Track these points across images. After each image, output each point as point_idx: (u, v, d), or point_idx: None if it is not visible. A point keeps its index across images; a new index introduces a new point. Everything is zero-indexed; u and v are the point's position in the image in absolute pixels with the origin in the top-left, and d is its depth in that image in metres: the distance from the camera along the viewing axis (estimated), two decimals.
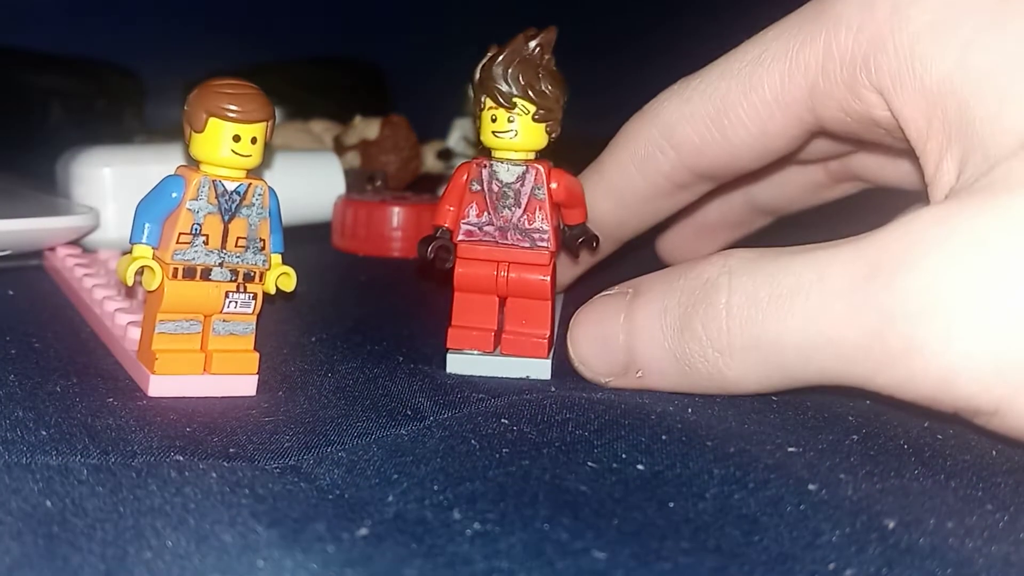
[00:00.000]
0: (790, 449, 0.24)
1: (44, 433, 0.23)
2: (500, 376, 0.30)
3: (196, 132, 0.27)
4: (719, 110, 0.30)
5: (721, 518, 0.21)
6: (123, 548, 0.18)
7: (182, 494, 0.20)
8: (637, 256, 0.39)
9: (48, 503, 0.20)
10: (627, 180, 0.33)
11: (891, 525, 0.20)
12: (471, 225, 0.31)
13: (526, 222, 0.30)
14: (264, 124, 0.27)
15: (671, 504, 0.21)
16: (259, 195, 0.27)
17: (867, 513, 0.21)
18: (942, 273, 0.22)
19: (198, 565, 0.18)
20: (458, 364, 0.31)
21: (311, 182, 0.49)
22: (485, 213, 0.30)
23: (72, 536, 0.18)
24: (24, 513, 0.19)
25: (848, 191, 0.39)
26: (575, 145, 0.33)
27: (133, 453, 0.23)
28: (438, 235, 0.30)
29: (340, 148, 0.60)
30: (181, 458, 0.23)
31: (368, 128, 0.60)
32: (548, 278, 0.31)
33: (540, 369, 0.30)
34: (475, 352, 0.31)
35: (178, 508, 0.20)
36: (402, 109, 0.65)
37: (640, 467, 0.23)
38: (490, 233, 0.31)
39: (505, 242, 0.30)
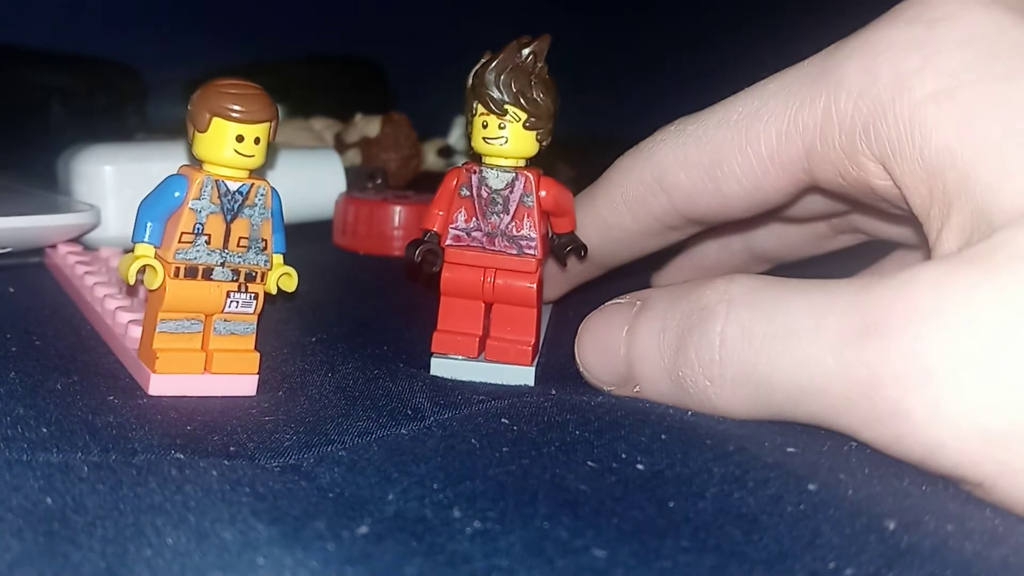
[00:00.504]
0: (789, 449, 0.24)
1: (45, 431, 0.23)
2: (483, 382, 0.30)
3: (199, 132, 0.27)
4: (713, 160, 0.30)
5: (721, 517, 0.21)
6: (123, 546, 0.18)
7: (182, 492, 0.21)
8: (635, 273, 0.39)
9: (49, 500, 0.20)
10: (617, 217, 0.33)
11: (891, 526, 0.20)
12: (459, 230, 0.31)
13: (514, 229, 0.30)
14: (267, 124, 0.27)
15: (671, 503, 0.21)
16: (262, 195, 0.28)
17: (867, 514, 0.21)
18: (935, 343, 0.21)
19: (198, 562, 0.18)
20: (442, 368, 0.31)
21: (312, 180, 0.49)
22: (473, 219, 0.30)
23: (72, 533, 0.19)
24: (24, 510, 0.19)
25: (849, 242, 0.38)
26: (603, 146, 0.33)
27: (134, 451, 0.23)
28: (426, 239, 0.30)
29: (341, 146, 0.60)
30: (182, 456, 0.23)
31: (369, 126, 0.61)
32: (534, 285, 0.31)
33: (523, 376, 0.30)
34: (459, 357, 0.31)
35: (178, 506, 0.20)
36: (403, 107, 0.65)
37: (640, 466, 0.23)
38: (478, 239, 0.31)
39: (492, 248, 0.30)
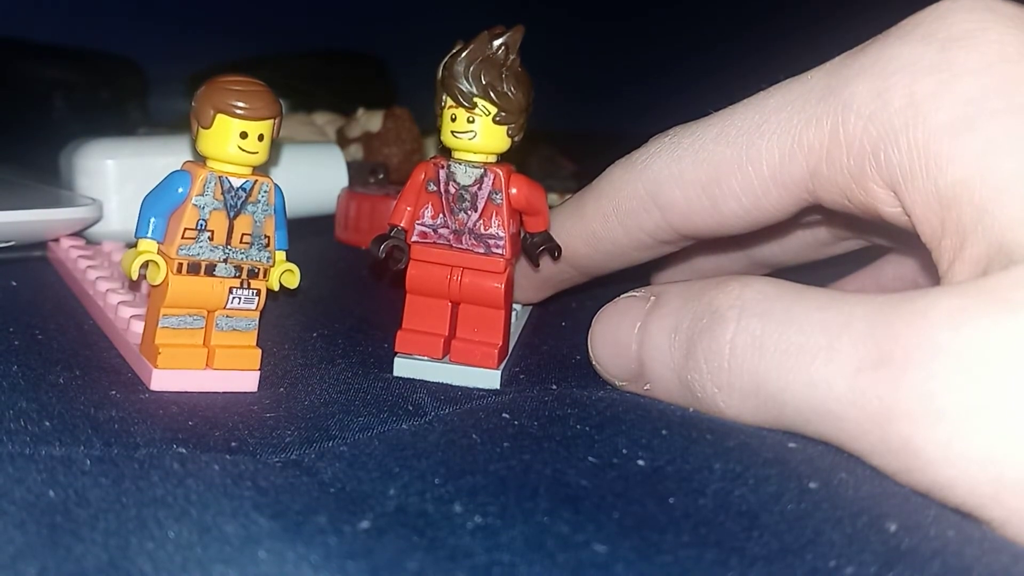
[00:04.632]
0: (791, 445, 0.24)
1: (47, 424, 0.24)
2: (447, 383, 0.29)
3: (203, 128, 0.27)
4: (711, 178, 0.28)
5: (721, 513, 0.21)
6: (126, 538, 0.18)
7: (184, 486, 0.21)
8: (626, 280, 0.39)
9: (51, 493, 0.20)
10: (607, 230, 0.32)
11: (892, 528, 0.20)
12: (425, 227, 0.30)
13: (482, 227, 0.29)
14: (271, 121, 0.27)
15: (671, 499, 0.21)
16: (265, 192, 0.28)
17: (868, 514, 0.21)
18: (949, 383, 0.21)
19: (200, 556, 0.18)
20: (406, 369, 0.30)
21: (314, 174, 0.49)
22: (440, 215, 0.29)
23: (75, 526, 0.19)
24: (27, 503, 0.19)
25: (851, 248, 0.38)
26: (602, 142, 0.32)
27: (136, 445, 0.23)
28: (392, 234, 0.30)
29: (343, 140, 0.60)
30: (184, 451, 0.23)
31: (371, 120, 0.60)
32: (502, 286, 0.30)
33: (488, 380, 0.29)
34: (424, 358, 0.30)
35: (180, 500, 0.20)
36: (405, 101, 0.65)
37: (641, 462, 0.23)
38: (444, 236, 0.30)
39: (459, 246, 0.30)
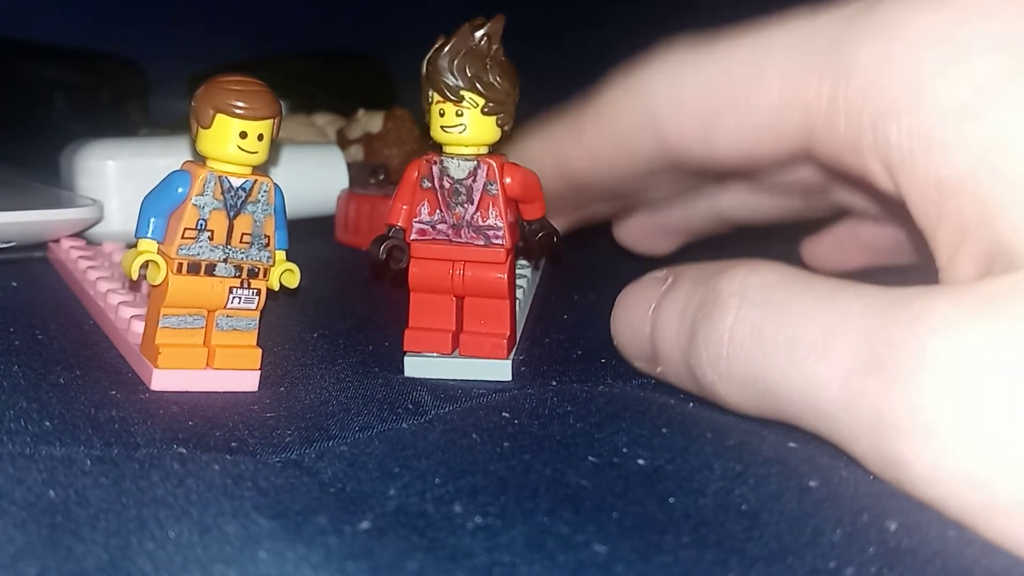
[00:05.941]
0: (791, 444, 0.24)
1: (48, 424, 0.24)
2: (459, 379, 0.29)
3: (203, 128, 0.27)
4: (709, 114, 0.28)
5: (722, 513, 0.21)
6: (126, 538, 0.18)
7: (185, 486, 0.21)
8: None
9: (52, 493, 0.20)
10: (608, 152, 0.32)
11: (892, 527, 0.20)
12: (423, 224, 0.30)
13: (479, 219, 0.29)
14: (271, 121, 0.27)
15: (672, 499, 0.21)
16: (265, 191, 0.28)
17: (868, 514, 0.21)
18: (939, 399, 0.20)
19: (201, 556, 0.18)
20: (416, 367, 0.30)
21: (314, 175, 0.49)
22: (437, 211, 0.29)
23: (75, 526, 0.19)
24: (28, 503, 0.19)
25: (821, 215, 0.37)
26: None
27: (136, 445, 0.23)
28: (391, 234, 0.30)
29: (343, 141, 0.60)
30: (184, 451, 0.23)
31: (371, 121, 0.60)
32: (504, 276, 0.30)
33: (500, 371, 0.30)
34: (433, 354, 0.30)
35: (181, 500, 0.20)
36: (405, 102, 0.65)
37: (641, 461, 0.23)
38: (443, 231, 0.30)
39: (459, 240, 0.30)
